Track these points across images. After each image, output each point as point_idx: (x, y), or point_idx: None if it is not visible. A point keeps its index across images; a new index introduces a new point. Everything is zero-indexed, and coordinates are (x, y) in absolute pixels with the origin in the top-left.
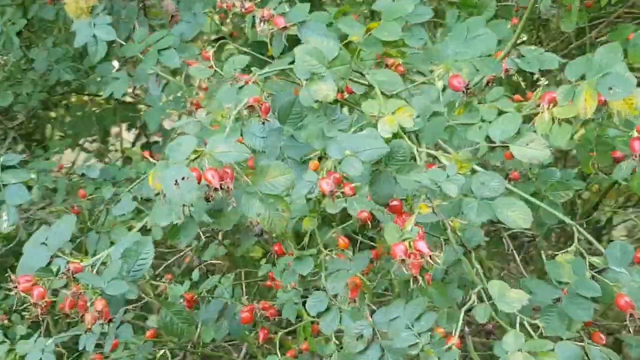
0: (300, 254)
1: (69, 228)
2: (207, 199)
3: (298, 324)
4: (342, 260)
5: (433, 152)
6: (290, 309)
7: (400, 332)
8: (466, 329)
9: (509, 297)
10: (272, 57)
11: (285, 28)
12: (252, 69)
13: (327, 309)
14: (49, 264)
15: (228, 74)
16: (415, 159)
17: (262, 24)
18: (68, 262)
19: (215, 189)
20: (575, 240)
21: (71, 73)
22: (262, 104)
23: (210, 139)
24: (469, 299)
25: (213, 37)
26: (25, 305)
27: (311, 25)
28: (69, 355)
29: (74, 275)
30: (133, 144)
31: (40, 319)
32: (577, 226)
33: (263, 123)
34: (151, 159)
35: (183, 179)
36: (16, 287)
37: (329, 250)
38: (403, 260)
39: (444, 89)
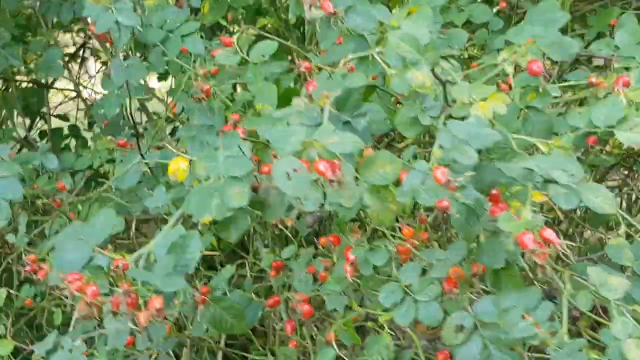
0: (374, 245)
1: (110, 222)
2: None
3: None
4: (437, 250)
5: (529, 138)
6: (337, 300)
7: (516, 322)
8: None
9: (611, 283)
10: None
11: (334, 13)
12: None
13: (402, 300)
14: (90, 260)
15: (255, 60)
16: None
17: (311, 9)
18: (111, 259)
19: (331, 181)
20: (623, 225)
21: (19, 58)
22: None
23: (318, 129)
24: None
25: None
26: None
27: (358, 10)
28: None
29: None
30: (29, 130)
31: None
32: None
33: (321, 110)
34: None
35: (295, 170)
36: (67, 285)
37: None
38: (533, 250)
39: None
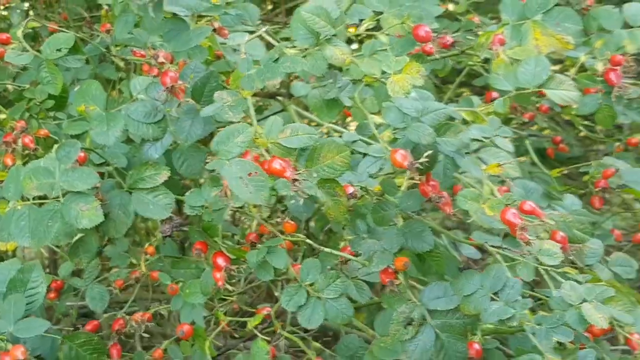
0: (271, 245)
1: None
2: None
3: None
4: (368, 241)
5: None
6: (195, 313)
7: (486, 305)
8: None
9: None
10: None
11: None
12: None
13: (306, 301)
14: None
15: (50, 55)
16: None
17: None
18: None
19: (294, 181)
20: None
21: None
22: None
23: (266, 123)
24: None
25: None
26: None
27: None
28: None
29: None
30: None
31: None
32: None
33: (179, 105)
34: None
35: (250, 174)
36: None
37: None
38: (523, 228)
39: None
